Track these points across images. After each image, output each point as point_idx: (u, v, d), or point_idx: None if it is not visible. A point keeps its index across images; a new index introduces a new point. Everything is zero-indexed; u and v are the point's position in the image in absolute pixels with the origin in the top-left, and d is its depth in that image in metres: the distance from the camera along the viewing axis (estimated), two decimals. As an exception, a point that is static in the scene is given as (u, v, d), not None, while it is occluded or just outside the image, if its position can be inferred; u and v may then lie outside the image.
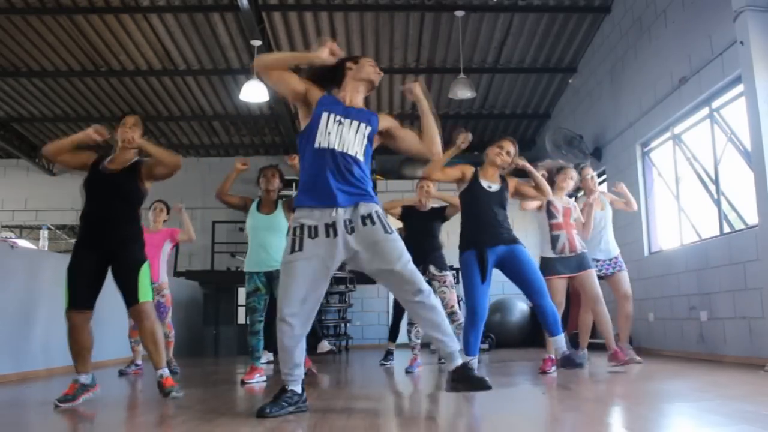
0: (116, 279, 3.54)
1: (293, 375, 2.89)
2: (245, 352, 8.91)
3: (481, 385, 2.80)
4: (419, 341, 5.68)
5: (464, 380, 2.84)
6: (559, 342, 4.07)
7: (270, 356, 6.60)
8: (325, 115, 2.96)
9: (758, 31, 4.70)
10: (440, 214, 5.48)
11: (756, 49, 4.68)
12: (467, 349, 4.05)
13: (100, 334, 3.43)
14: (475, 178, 4.22)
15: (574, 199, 5.45)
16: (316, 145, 2.92)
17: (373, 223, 2.88)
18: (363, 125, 2.99)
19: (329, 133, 2.92)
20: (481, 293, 4.01)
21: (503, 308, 9.29)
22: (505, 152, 4.23)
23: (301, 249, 2.85)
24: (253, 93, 8.25)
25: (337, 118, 2.96)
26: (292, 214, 3.14)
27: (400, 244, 2.90)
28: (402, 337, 6.01)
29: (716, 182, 5.89)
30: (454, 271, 8.69)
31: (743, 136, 5.35)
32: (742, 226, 5.57)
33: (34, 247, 11.42)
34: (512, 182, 4.32)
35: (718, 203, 5.88)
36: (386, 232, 2.88)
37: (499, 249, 4.06)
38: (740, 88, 5.19)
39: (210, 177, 11.52)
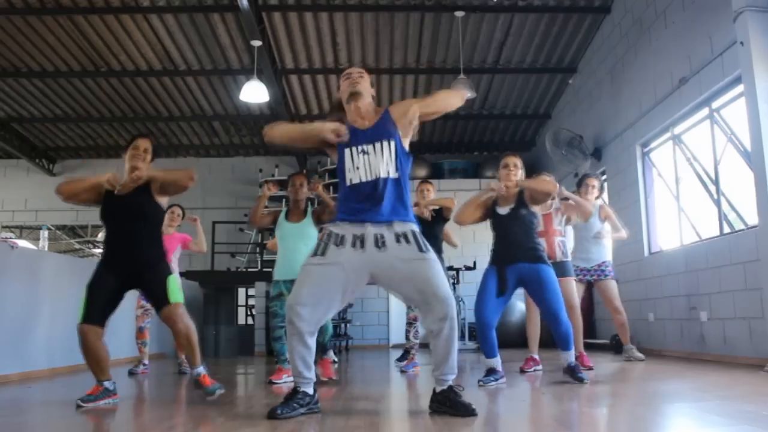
0: (146, 294, 3.51)
1: (304, 376, 2.85)
2: (245, 352, 8.94)
3: (466, 410, 2.74)
4: (417, 341, 5.69)
5: (450, 404, 2.79)
6: (568, 356, 4.16)
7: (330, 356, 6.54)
8: (347, 151, 2.92)
9: (758, 32, 4.70)
10: (441, 216, 5.45)
11: (756, 50, 4.68)
12: (484, 353, 4.18)
13: (109, 334, 3.40)
14: (493, 206, 4.25)
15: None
16: (348, 183, 2.91)
17: (408, 241, 2.84)
18: (386, 142, 2.91)
19: (357, 168, 2.89)
20: (485, 303, 4.10)
21: (503, 309, 9.28)
22: (512, 165, 4.22)
23: (323, 254, 2.83)
24: (253, 93, 8.24)
25: (360, 148, 2.91)
26: (320, 224, 3.04)
27: (437, 265, 2.84)
28: (400, 336, 6.00)
29: (716, 182, 5.89)
30: (454, 272, 8.75)
31: (743, 136, 5.35)
32: (742, 227, 5.56)
33: (34, 247, 11.45)
34: (527, 194, 4.24)
35: (718, 203, 5.88)
36: (421, 251, 2.83)
37: (519, 266, 4.10)
38: (740, 88, 5.19)
39: (210, 177, 11.55)
